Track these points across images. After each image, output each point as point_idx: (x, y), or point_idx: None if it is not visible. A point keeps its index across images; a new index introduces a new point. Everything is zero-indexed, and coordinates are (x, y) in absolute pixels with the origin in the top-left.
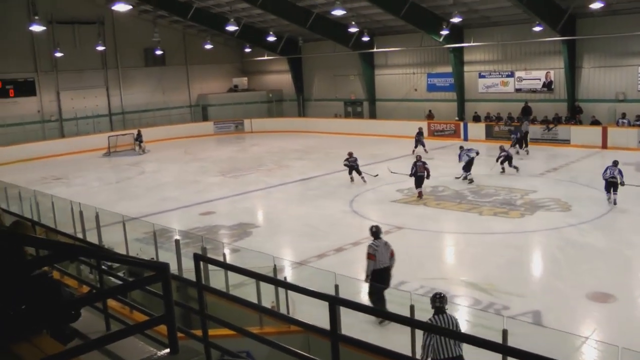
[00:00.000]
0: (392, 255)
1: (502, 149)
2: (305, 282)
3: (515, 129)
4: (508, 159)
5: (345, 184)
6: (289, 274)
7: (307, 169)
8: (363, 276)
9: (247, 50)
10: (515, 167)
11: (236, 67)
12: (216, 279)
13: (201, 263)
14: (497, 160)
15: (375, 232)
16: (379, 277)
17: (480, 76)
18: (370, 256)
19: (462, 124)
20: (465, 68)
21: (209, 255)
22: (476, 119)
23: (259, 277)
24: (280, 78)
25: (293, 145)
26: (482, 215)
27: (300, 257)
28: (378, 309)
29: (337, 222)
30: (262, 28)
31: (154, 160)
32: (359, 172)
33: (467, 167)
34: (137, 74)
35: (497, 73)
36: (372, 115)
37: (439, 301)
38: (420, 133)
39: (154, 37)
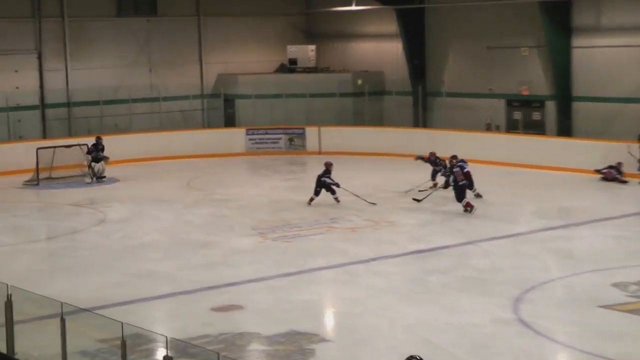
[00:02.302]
0: None
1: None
2: None
3: None
4: None
5: (507, 264)
6: None
7: (431, 231)
8: None
9: None
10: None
11: (294, 26)
12: None
13: None
14: None
15: None
16: None
17: None
18: None
19: None
20: None
21: None
22: None
23: None
24: (381, 50)
25: (403, 183)
26: None
27: None
28: None
29: (489, 342)
30: None
31: (127, 199)
32: (332, 191)
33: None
34: (101, 32)
35: None
36: (564, 127)
37: None
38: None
39: None
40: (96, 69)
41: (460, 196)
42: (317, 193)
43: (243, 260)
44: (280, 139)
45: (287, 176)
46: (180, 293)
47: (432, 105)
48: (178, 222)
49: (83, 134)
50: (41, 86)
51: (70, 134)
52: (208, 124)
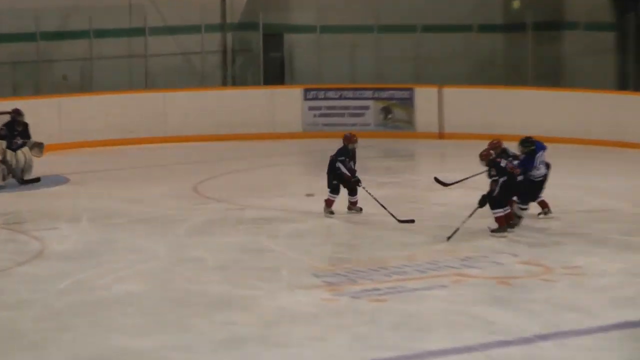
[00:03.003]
0: None
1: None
2: None
3: None
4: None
5: None
6: None
7: None
8: None
9: None
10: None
11: None
12: None
13: None
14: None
15: None
16: None
17: None
18: None
19: None
20: None
21: None
22: None
23: None
24: None
25: (592, 195)
26: None
27: None
28: None
29: None
30: None
31: (82, 215)
32: (350, 188)
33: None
34: None
35: None
36: None
37: None
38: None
39: None
40: None
41: (504, 195)
42: (334, 190)
43: (296, 334)
44: (367, 108)
45: (380, 178)
46: None
47: None
48: (177, 261)
49: (5, 93)
50: None
51: None
52: (234, 80)
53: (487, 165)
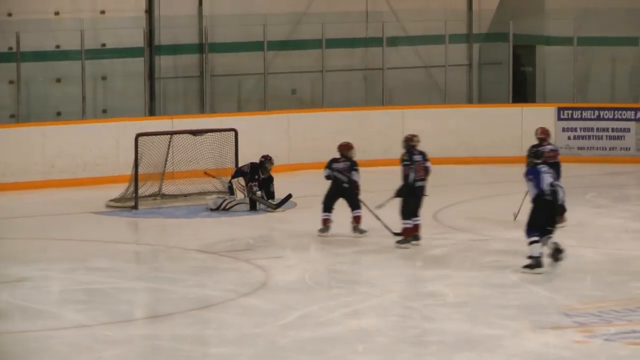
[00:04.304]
0: None
1: None
2: None
3: None
4: None
5: None
6: None
7: None
8: None
9: None
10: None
11: None
12: None
13: None
14: None
15: None
16: None
17: None
18: None
19: None
20: None
21: None
22: None
23: None
24: None
25: None
26: None
27: None
28: None
29: None
30: None
31: (313, 243)
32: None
33: None
34: None
35: None
36: None
37: None
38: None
39: None
40: None
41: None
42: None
43: None
44: (627, 130)
45: None
46: None
47: None
48: (414, 295)
49: (228, 108)
50: (149, 10)
51: (203, 109)
52: (480, 96)
53: None
